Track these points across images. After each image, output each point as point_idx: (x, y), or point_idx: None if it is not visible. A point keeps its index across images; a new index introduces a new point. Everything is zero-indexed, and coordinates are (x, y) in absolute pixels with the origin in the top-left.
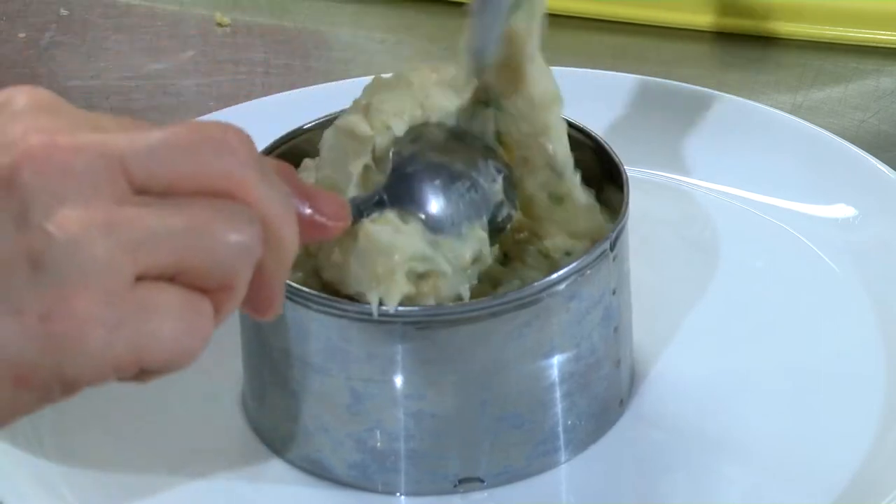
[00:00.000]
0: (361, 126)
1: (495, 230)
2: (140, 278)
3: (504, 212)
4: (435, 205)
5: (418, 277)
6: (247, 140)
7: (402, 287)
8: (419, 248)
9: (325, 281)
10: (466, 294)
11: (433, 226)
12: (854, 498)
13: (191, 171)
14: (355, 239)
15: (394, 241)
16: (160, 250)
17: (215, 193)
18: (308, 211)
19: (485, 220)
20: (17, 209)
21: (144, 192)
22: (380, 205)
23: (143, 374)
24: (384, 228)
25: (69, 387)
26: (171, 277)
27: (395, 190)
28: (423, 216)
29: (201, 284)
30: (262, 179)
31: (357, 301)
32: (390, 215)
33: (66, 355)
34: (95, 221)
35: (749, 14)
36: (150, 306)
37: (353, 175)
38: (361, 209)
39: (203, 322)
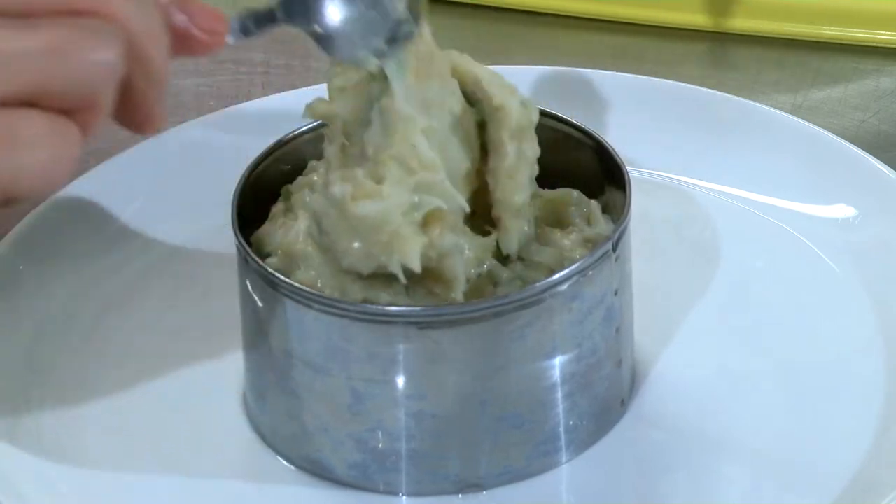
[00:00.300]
0: (322, 107)
1: (395, 45)
2: (3, 100)
3: (405, 28)
4: (331, 17)
5: (423, 225)
6: None
7: (415, 242)
8: (407, 199)
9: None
10: (466, 206)
11: (327, 41)
12: (854, 498)
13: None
14: (345, 220)
15: (381, 208)
16: (18, 73)
17: (76, 12)
18: (181, 21)
19: (383, 36)
20: None
21: (4, 15)
22: (271, 19)
23: (8, 201)
24: (366, 202)
25: None
26: (31, 102)
27: (290, 4)
28: (317, 29)
29: (63, 106)
30: None
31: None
32: (364, 183)
33: None
34: None
35: (749, 14)
36: (14, 134)
37: (332, 160)
38: (252, 25)
39: (69, 146)
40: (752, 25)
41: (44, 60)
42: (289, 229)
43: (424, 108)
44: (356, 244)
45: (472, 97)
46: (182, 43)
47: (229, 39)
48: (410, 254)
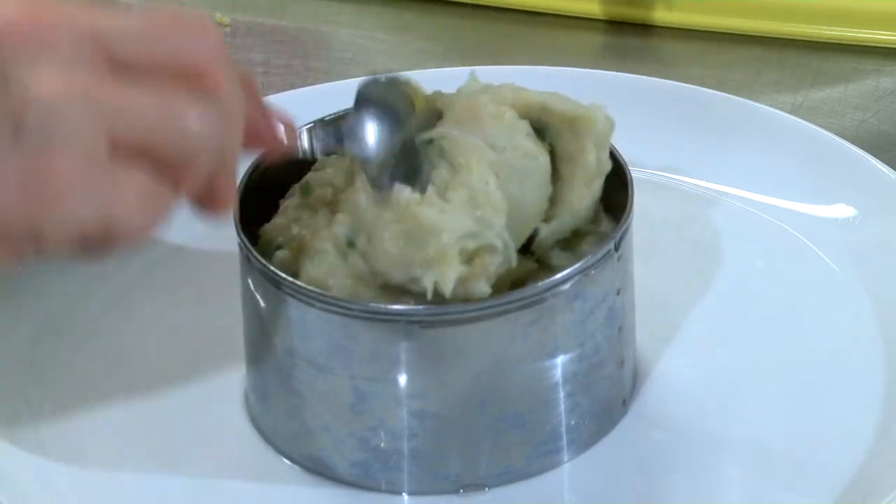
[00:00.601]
0: None
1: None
2: (113, 151)
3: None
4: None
5: (469, 256)
6: (220, 34)
7: (455, 268)
8: (467, 226)
9: (373, 278)
10: (514, 262)
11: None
12: (854, 498)
13: (166, 52)
14: (402, 222)
15: (442, 220)
16: (134, 125)
17: (187, 77)
18: (261, 118)
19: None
20: None
21: (121, 69)
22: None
23: (104, 241)
24: (430, 209)
25: (40, 244)
26: (139, 154)
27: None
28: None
29: (166, 163)
30: (228, 73)
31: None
32: (431, 194)
33: (41, 213)
34: (75, 90)
35: (749, 14)
36: (121, 178)
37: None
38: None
39: (162, 205)
40: (752, 25)
41: (158, 117)
42: (305, 224)
43: (491, 148)
44: (398, 250)
45: (538, 127)
46: (256, 136)
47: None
48: (447, 278)
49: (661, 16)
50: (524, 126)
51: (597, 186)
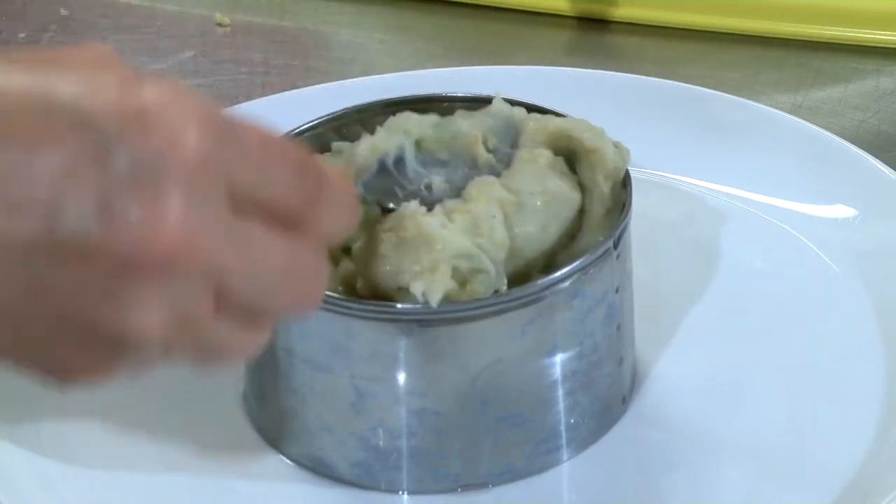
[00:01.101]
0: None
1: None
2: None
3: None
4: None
5: (462, 278)
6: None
7: (446, 281)
8: (465, 246)
9: (360, 282)
10: (504, 288)
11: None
12: (854, 498)
13: (285, 199)
14: (403, 230)
15: (442, 233)
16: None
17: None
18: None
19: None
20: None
21: (236, 196)
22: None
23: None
24: (433, 220)
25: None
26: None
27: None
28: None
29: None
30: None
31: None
32: (437, 211)
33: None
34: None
35: (749, 14)
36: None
37: None
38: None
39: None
40: (752, 25)
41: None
42: None
43: (517, 197)
44: (393, 255)
45: (564, 150)
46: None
47: None
48: (436, 288)
49: (661, 15)
50: (559, 164)
51: (609, 221)
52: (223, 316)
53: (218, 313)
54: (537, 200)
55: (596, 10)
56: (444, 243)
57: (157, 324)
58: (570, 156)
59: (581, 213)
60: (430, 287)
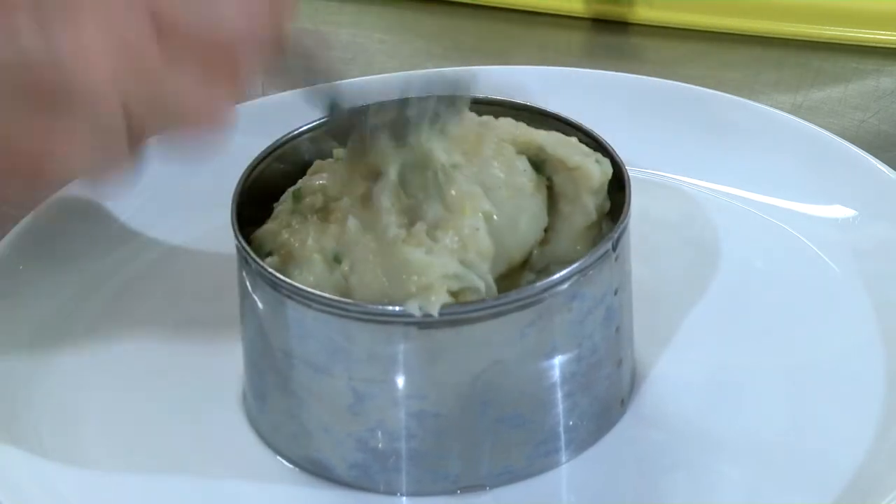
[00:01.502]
0: None
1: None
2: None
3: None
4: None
5: (453, 293)
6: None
7: (441, 296)
8: (452, 268)
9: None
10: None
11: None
12: (854, 498)
13: (210, 33)
14: (389, 258)
15: (427, 260)
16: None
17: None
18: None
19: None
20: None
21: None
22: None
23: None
24: (416, 249)
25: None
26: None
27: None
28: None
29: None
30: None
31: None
32: (421, 234)
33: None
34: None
35: (749, 14)
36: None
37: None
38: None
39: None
40: (751, 25)
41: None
42: (295, 231)
43: (484, 189)
44: (380, 285)
45: (536, 161)
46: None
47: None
48: (434, 303)
49: (661, 15)
50: (522, 162)
51: (591, 233)
52: (172, 62)
53: (163, 55)
54: (508, 195)
55: (610, 11)
56: (431, 269)
57: (100, 58)
58: (538, 162)
59: (558, 216)
60: (427, 302)
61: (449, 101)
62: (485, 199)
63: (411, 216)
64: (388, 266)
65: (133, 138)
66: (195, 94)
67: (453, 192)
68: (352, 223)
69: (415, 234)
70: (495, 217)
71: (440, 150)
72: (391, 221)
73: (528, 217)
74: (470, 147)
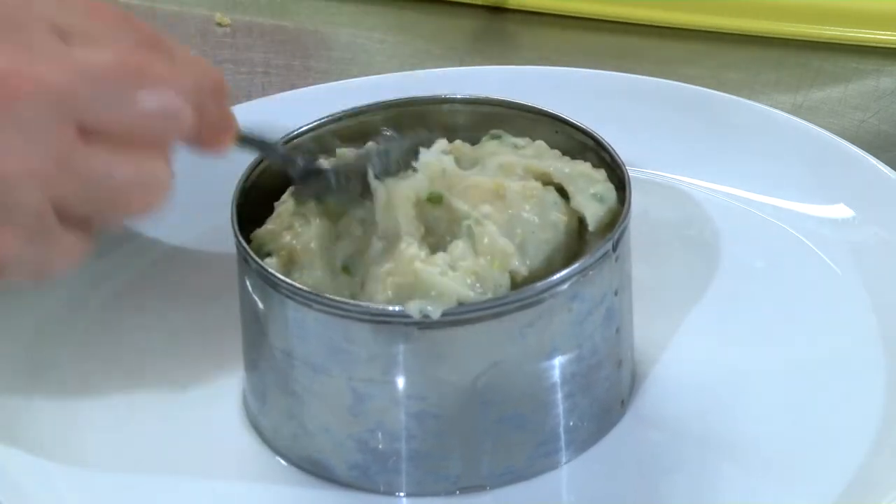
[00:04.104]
0: None
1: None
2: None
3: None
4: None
5: None
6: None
7: (447, 302)
8: (463, 294)
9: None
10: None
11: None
12: (854, 498)
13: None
14: (402, 275)
15: (440, 281)
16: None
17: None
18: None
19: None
20: None
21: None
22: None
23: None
24: (431, 269)
25: None
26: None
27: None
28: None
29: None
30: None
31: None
32: (439, 258)
33: None
34: (30, 167)
35: (749, 14)
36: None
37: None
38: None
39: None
40: (751, 25)
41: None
42: (296, 233)
43: (519, 240)
44: (388, 291)
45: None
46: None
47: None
48: (434, 308)
49: (660, 16)
50: (551, 194)
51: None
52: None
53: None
54: (539, 236)
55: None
56: (441, 289)
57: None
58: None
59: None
60: (428, 307)
61: (409, 149)
62: (515, 257)
63: (433, 246)
64: (400, 284)
65: (83, 229)
66: (124, 171)
67: (486, 241)
68: (376, 245)
69: (433, 258)
70: (524, 274)
71: (420, 191)
72: (410, 240)
73: (561, 255)
74: (495, 189)
